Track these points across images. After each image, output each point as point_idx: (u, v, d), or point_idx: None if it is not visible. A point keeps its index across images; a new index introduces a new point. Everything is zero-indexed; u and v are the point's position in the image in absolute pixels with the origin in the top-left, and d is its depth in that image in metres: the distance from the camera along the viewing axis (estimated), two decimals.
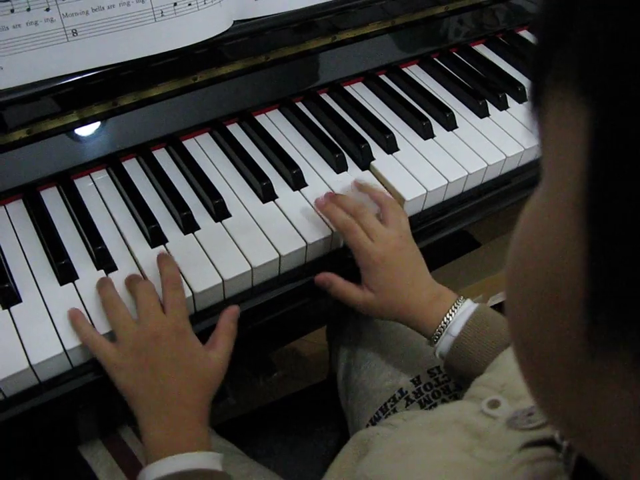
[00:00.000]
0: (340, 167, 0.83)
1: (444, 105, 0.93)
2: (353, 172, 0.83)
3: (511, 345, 0.28)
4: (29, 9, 0.61)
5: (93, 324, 0.64)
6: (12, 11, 0.61)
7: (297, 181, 0.80)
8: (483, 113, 0.94)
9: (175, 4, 0.69)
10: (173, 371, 0.62)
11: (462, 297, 0.73)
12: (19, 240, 0.72)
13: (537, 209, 0.25)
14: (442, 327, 0.70)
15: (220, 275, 0.69)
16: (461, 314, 0.70)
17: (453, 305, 0.71)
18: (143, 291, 0.64)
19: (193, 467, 0.58)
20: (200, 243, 0.72)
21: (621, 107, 0.19)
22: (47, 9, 0.62)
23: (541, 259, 0.24)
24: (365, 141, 0.85)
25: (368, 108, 0.92)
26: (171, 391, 0.62)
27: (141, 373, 0.62)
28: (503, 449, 0.41)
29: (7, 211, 0.74)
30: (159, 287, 0.66)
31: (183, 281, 0.68)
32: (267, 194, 0.78)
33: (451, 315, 0.70)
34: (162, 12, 0.68)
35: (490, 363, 0.66)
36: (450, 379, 0.81)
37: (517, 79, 1.00)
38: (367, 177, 0.82)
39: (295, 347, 1.62)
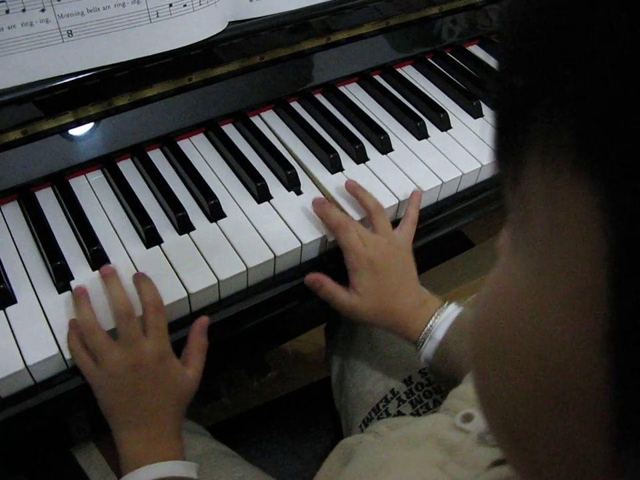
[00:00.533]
0: (335, 167, 0.83)
1: (438, 105, 0.94)
2: (348, 172, 0.83)
3: (485, 420, 0.26)
4: (24, 10, 0.61)
5: None
6: (7, 11, 0.61)
7: (291, 182, 0.80)
8: (477, 114, 0.94)
9: (170, 5, 0.69)
10: (152, 395, 0.63)
11: (447, 302, 0.73)
12: (14, 241, 0.72)
13: (521, 287, 0.22)
14: (426, 332, 0.71)
15: (215, 275, 0.69)
16: (444, 319, 0.71)
17: (437, 310, 0.72)
18: (123, 317, 0.63)
19: (168, 475, 0.60)
20: (195, 244, 0.72)
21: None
22: (42, 10, 0.62)
23: (538, 349, 0.21)
24: (359, 142, 0.85)
25: (362, 108, 0.93)
26: (149, 411, 0.63)
27: (118, 397, 0.62)
28: (473, 466, 0.42)
29: (1, 212, 0.74)
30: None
31: (179, 281, 0.68)
32: (262, 194, 0.78)
33: (435, 320, 0.71)
34: (157, 13, 0.68)
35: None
36: None
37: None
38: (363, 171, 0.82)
39: (289, 347, 1.62)
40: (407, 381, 0.83)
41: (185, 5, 0.70)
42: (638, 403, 0.18)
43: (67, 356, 0.63)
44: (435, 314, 0.71)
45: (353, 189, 0.78)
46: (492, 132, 0.23)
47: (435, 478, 0.43)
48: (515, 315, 0.23)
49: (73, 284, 0.68)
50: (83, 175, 0.79)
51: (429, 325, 0.71)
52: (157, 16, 0.69)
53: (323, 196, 0.79)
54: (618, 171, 0.17)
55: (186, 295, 0.67)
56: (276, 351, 1.62)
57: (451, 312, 0.72)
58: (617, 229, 0.17)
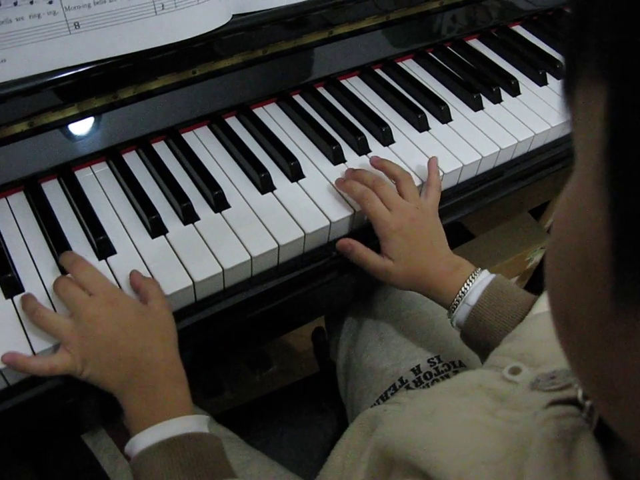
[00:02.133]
0: (337, 159, 0.84)
1: (439, 98, 0.95)
2: (350, 164, 0.84)
3: (550, 313, 0.29)
4: (32, 2, 0.62)
5: None
6: (15, 4, 0.62)
7: (294, 173, 0.81)
8: (477, 106, 0.95)
9: None
10: (124, 339, 0.61)
11: (479, 268, 0.75)
12: (20, 231, 0.72)
13: (570, 190, 0.27)
14: (459, 296, 0.72)
15: (220, 264, 0.70)
16: (478, 284, 0.72)
17: (471, 275, 0.73)
18: (60, 288, 0.63)
19: (178, 433, 0.58)
20: (200, 233, 0.73)
21: (632, 83, 0.21)
22: (50, 2, 0.63)
23: (572, 229, 0.26)
24: (361, 133, 0.86)
25: (364, 101, 0.94)
26: (133, 357, 0.61)
27: (97, 359, 0.61)
28: (527, 408, 0.42)
29: (8, 203, 0.75)
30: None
31: (184, 270, 0.69)
32: (265, 185, 0.79)
33: (468, 284, 0.72)
34: (163, 5, 0.69)
35: (505, 332, 0.68)
36: (450, 368, 0.83)
37: (510, 72, 1.02)
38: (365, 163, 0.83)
39: (291, 342, 1.63)
40: (415, 369, 0.84)
41: None
42: (631, 230, 0.22)
43: None
44: (469, 279, 0.73)
45: (378, 162, 0.80)
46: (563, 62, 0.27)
47: (486, 422, 0.44)
48: (571, 218, 0.26)
49: None
50: (89, 167, 0.80)
51: (462, 290, 0.72)
52: (163, 8, 0.70)
53: (325, 185, 0.80)
54: (621, 70, 0.21)
55: (191, 283, 0.68)
56: (278, 345, 1.63)
57: (484, 277, 0.73)
58: (616, 108, 0.22)
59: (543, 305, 0.68)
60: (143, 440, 0.58)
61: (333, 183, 0.81)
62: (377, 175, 0.79)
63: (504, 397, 0.47)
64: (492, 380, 0.51)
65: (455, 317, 0.73)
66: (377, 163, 0.80)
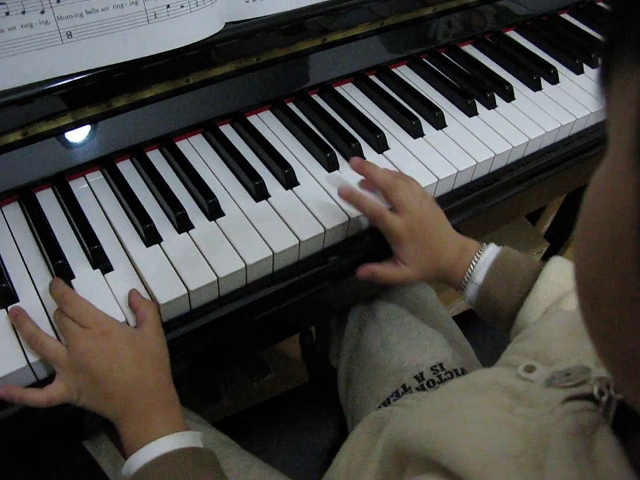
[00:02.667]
0: (331, 166, 0.84)
1: (433, 104, 0.95)
2: (344, 171, 0.84)
3: (577, 295, 0.30)
4: (24, 12, 0.62)
5: None
6: (7, 13, 0.62)
7: (289, 180, 0.81)
8: (471, 112, 0.95)
9: (168, 6, 0.70)
10: (118, 370, 0.62)
11: (485, 244, 0.77)
12: (15, 241, 0.72)
13: (601, 170, 0.27)
14: (467, 277, 0.75)
15: (215, 272, 0.70)
16: (483, 262, 0.75)
17: (476, 254, 0.76)
18: (56, 319, 0.64)
19: (174, 448, 0.58)
20: (194, 242, 0.73)
21: None
22: (42, 12, 0.63)
23: (604, 207, 0.26)
24: (355, 140, 0.86)
25: (358, 108, 0.94)
26: (127, 388, 0.62)
27: (92, 390, 0.62)
28: (544, 405, 0.43)
29: (2, 213, 0.75)
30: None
31: (178, 279, 0.69)
32: (259, 193, 0.79)
33: (473, 264, 0.75)
34: (155, 14, 0.69)
35: (515, 305, 0.71)
36: (453, 376, 0.82)
37: (504, 78, 1.02)
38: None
39: (288, 349, 1.63)
40: (418, 377, 0.83)
41: (182, 6, 0.71)
42: None
43: None
44: (474, 259, 0.75)
45: (364, 172, 0.80)
46: (599, 51, 0.27)
47: (504, 419, 0.44)
48: (604, 201, 0.27)
49: (74, 283, 0.68)
50: (83, 176, 0.80)
51: (469, 270, 0.75)
52: (155, 17, 0.70)
53: (320, 193, 0.80)
54: None
55: (186, 292, 0.68)
56: (275, 352, 1.62)
57: (489, 254, 0.75)
58: None
59: (548, 273, 0.71)
60: (138, 459, 0.59)
61: (328, 190, 0.81)
62: (391, 172, 0.79)
63: (520, 394, 0.48)
64: (507, 378, 0.51)
65: (466, 297, 0.77)
66: (373, 171, 0.79)
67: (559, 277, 0.71)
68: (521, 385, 0.49)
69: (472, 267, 0.75)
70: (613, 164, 0.26)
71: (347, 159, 0.86)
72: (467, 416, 0.47)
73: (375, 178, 0.77)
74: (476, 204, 0.90)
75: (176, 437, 0.60)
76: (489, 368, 0.59)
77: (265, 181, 0.80)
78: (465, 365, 0.85)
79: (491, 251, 0.76)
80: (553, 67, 1.04)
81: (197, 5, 0.72)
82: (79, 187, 0.79)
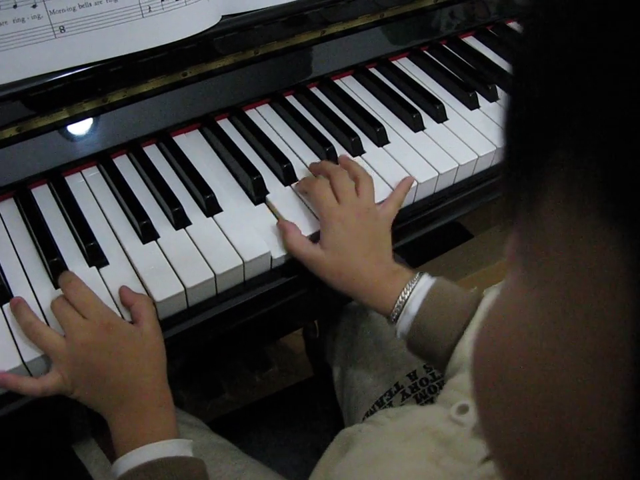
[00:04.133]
0: (331, 160, 0.83)
1: (434, 97, 0.94)
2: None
3: (497, 465, 0.25)
4: (15, 6, 0.61)
5: None
6: None
7: (287, 175, 0.80)
8: (473, 105, 0.94)
9: None
10: (116, 366, 0.61)
11: (418, 273, 0.70)
12: (10, 237, 0.72)
13: (532, 323, 0.21)
14: (399, 305, 0.68)
15: (212, 269, 0.69)
16: (418, 291, 0.67)
17: (409, 281, 0.68)
18: (56, 308, 0.63)
19: (159, 456, 0.58)
20: (191, 238, 0.72)
21: None
22: (34, 6, 0.62)
23: (546, 393, 0.20)
24: (355, 134, 0.85)
25: (358, 101, 0.92)
26: (123, 384, 0.61)
27: (88, 384, 0.61)
28: (467, 460, 0.42)
29: None
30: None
31: (175, 276, 0.68)
32: (258, 189, 0.78)
33: (407, 292, 0.68)
34: (150, 7, 0.68)
35: (451, 340, 0.65)
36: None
37: (506, 70, 1.00)
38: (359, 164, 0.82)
39: (290, 343, 1.62)
40: (411, 375, 0.83)
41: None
42: None
43: None
44: (407, 286, 0.68)
45: (344, 161, 0.78)
46: (505, 146, 0.21)
47: (429, 472, 0.43)
48: (523, 352, 0.21)
49: None
50: (79, 172, 0.79)
51: (400, 298, 0.67)
52: (150, 10, 0.69)
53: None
54: None
55: (183, 289, 0.67)
56: (277, 346, 1.62)
57: (424, 284, 0.68)
58: None
59: (487, 305, 0.64)
60: (125, 463, 0.58)
61: None
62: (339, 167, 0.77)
63: (449, 440, 0.46)
64: (438, 421, 0.50)
65: (398, 328, 0.69)
66: (343, 162, 0.78)
67: None
68: (451, 429, 0.48)
69: (404, 296, 0.67)
70: (569, 333, 0.19)
71: (347, 152, 0.85)
72: (392, 469, 0.46)
73: (354, 168, 0.77)
74: (478, 198, 0.89)
75: (164, 444, 0.59)
76: (425, 407, 0.58)
77: (264, 176, 0.79)
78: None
79: (426, 281, 0.68)
80: None
81: None
82: (75, 182, 0.78)
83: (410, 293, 0.67)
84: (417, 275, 0.69)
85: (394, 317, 0.68)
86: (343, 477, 0.49)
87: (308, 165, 0.82)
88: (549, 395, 0.20)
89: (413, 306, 0.67)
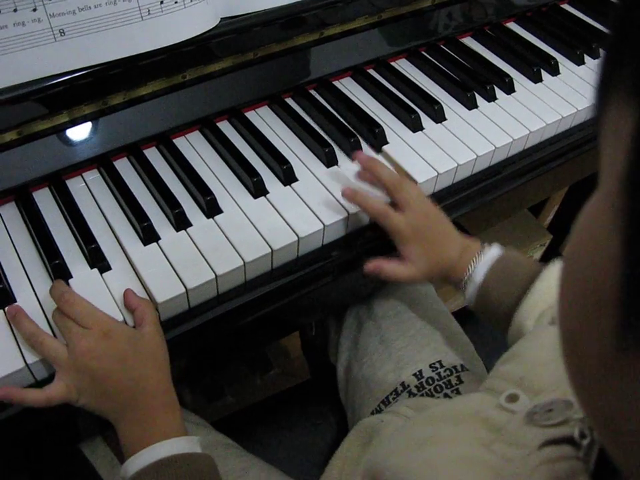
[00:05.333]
0: (330, 161, 0.83)
1: (432, 97, 0.94)
2: (343, 166, 0.83)
3: (559, 331, 0.28)
4: (15, 10, 0.62)
5: None
6: None
7: (287, 176, 0.80)
8: (471, 105, 0.94)
9: (162, 2, 0.69)
10: (120, 371, 0.62)
11: (487, 244, 0.76)
12: (12, 241, 0.72)
13: (588, 210, 0.26)
14: (467, 276, 0.75)
15: (213, 270, 0.69)
16: (484, 261, 0.74)
17: (476, 253, 0.75)
18: (57, 318, 0.63)
19: (169, 454, 0.58)
20: (192, 240, 0.73)
21: None
22: (34, 10, 0.63)
23: (586, 254, 0.25)
24: (354, 135, 0.86)
25: (357, 102, 0.93)
26: (128, 388, 0.62)
27: (93, 390, 0.62)
28: (522, 446, 0.41)
29: None
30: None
31: (177, 277, 0.68)
32: (258, 189, 0.78)
33: (472, 264, 0.74)
34: (149, 10, 0.69)
35: (514, 306, 0.70)
36: (452, 373, 0.82)
37: (504, 70, 1.01)
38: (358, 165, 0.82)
39: (291, 345, 1.63)
40: (417, 375, 0.83)
41: (176, 2, 0.70)
42: None
43: None
44: (474, 258, 0.74)
45: (369, 167, 0.79)
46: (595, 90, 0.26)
47: (481, 456, 0.43)
48: (582, 240, 0.26)
49: (71, 282, 0.68)
50: (80, 175, 0.79)
51: (469, 269, 0.74)
52: (149, 13, 0.69)
53: (319, 189, 0.80)
54: None
55: (184, 290, 0.68)
56: (278, 348, 1.62)
57: (491, 254, 0.74)
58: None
59: (548, 275, 0.70)
60: (135, 463, 0.59)
61: (327, 185, 0.80)
62: (392, 171, 0.78)
63: (500, 427, 0.46)
64: (489, 408, 0.50)
65: (466, 296, 0.76)
66: (368, 168, 0.78)
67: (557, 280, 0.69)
68: (502, 416, 0.48)
69: (472, 266, 0.74)
70: (597, 211, 0.25)
71: (346, 154, 0.85)
72: (442, 452, 0.46)
73: (382, 176, 0.77)
74: (478, 197, 0.89)
75: (173, 442, 0.60)
76: (473, 394, 0.58)
77: (264, 178, 0.79)
78: (464, 361, 0.84)
79: (493, 252, 0.75)
80: (554, 58, 1.03)
81: (191, 1, 0.71)
82: (75, 185, 0.78)
83: (475, 264, 0.74)
84: (485, 246, 0.76)
85: (463, 286, 0.75)
86: (384, 463, 0.48)
87: (308, 165, 0.83)
88: (590, 268, 0.25)
89: (479, 276, 0.74)
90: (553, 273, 0.71)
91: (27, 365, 0.62)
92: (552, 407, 0.43)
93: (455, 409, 0.53)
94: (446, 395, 0.80)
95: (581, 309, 0.25)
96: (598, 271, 0.24)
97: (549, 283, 0.70)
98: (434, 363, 0.83)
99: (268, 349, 1.56)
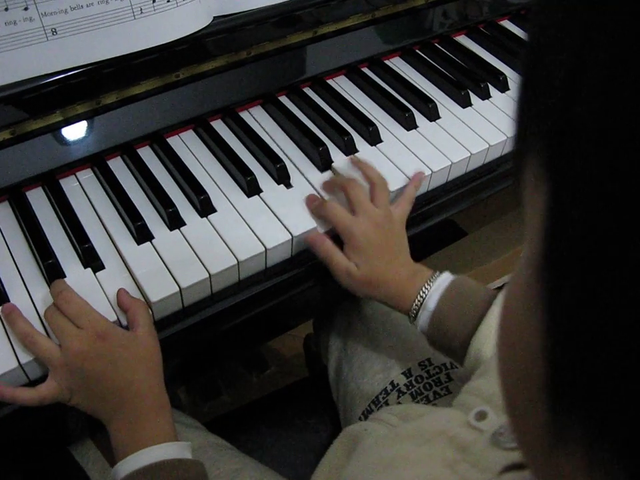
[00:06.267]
0: (324, 160, 0.83)
1: (426, 95, 0.94)
2: (337, 164, 0.83)
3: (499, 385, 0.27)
4: (6, 9, 0.61)
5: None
6: None
7: (281, 175, 0.80)
8: (465, 103, 0.94)
9: (154, 1, 0.69)
10: (113, 372, 0.61)
11: (438, 271, 0.73)
12: (5, 240, 0.72)
13: (514, 276, 0.25)
14: (418, 302, 0.71)
15: (207, 269, 0.69)
16: (436, 288, 0.70)
17: (428, 279, 0.71)
18: (49, 318, 0.63)
19: (158, 459, 0.58)
20: (186, 239, 0.73)
21: (571, 193, 0.19)
22: (25, 8, 0.62)
23: (514, 328, 0.24)
24: (348, 133, 0.86)
25: (351, 101, 0.93)
26: (119, 390, 0.62)
27: (85, 391, 0.62)
28: (485, 469, 0.41)
29: None
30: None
31: (170, 276, 0.68)
32: (251, 188, 0.78)
33: (426, 289, 0.71)
34: (141, 9, 0.69)
35: (469, 334, 0.67)
36: (441, 371, 0.82)
37: (498, 68, 1.01)
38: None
39: (288, 343, 1.63)
40: (406, 373, 0.83)
41: (168, 1, 0.70)
42: (563, 352, 0.20)
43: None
44: (426, 284, 0.71)
45: (357, 162, 0.80)
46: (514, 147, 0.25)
47: (444, 477, 0.43)
48: (510, 306, 0.24)
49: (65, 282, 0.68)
50: (73, 174, 0.79)
51: (420, 295, 0.70)
52: (141, 12, 0.69)
53: (312, 188, 0.80)
54: (564, 174, 0.20)
55: (178, 289, 0.68)
56: (275, 346, 1.62)
57: (442, 280, 0.71)
58: (553, 211, 0.21)
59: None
60: (124, 467, 0.59)
61: (319, 184, 0.80)
62: (353, 177, 0.78)
63: (466, 447, 0.46)
64: (457, 426, 0.49)
65: (418, 324, 0.72)
66: (356, 163, 0.80)
67: None
68: (469, 435, 0.47)
69: (424, 293, 0.71)
70: (520, 279, 0.23)
71: (340, 152, 0.85)
72: (405, 474, 0.45)
73: (368, 171, 0.77)
74: (472, 195, 0.89)
75: (163, 447, 0.60)
76: (441, 409, 0.57)
77: (257, 176, 0.79)
78: None
79: (445, 278, 0.72)
80: None
81: (184, 0, 0.71)
82: (69, 185, 0.78)
83: (428, 290, 0.70)
84: (437, 273, 0.72)
85: (413, 314, 0.71)
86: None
87: (301, 165, 0.83)
88: (518, 341, 0.23)
89: (431, 302, 0.70)
90: None
91: (20, 364, 0.62)
92: None
93: (422, 426, 0.52)
94: (435, 393, 0.80)
95: (514, 375, 0.24)
96: (524, 352, 0.22)
97: None
98: (423, 361, 0.83)
99: (264, 348, 1.56)
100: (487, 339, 0.66)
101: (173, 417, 0.64)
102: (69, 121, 0.76)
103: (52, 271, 0.68)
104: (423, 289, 0.71)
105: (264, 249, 0.72)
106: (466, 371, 0.68)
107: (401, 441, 0.52)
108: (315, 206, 0.75)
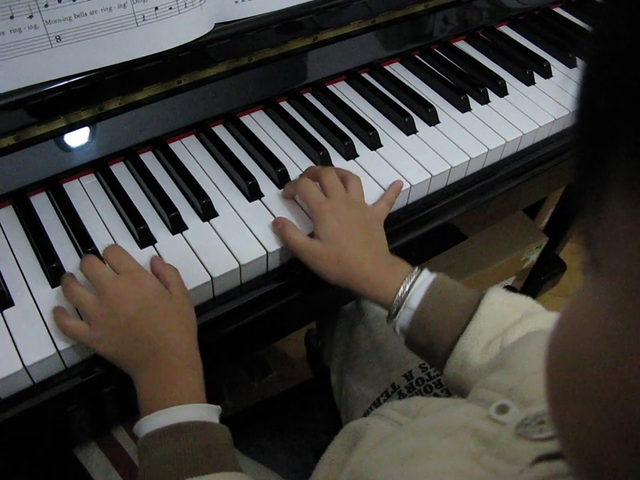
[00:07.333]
0: (324, 164, 0.84)
1: (426, 100, 0.95)
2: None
3: (568, 461, 0.26)
4: (12, 17, 0.62)
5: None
6: None
7: (282, 179, 0.81)
8: (464, 108, 0.95)
9: (156, 8, 0.70)
10: (144, 319, 0.61)
11: (418, 267, 0.70)
12: (9, 245, 0.73)
13: (602, 319, 0.22)
14: (399, 298, 0.67)
15: (209, 273, 0.70)
16: (419, 285, 0.67)
17: (409, 275, 0.68)
18: (87, 266, 0.65)
19: (187, 420, 0.57)
20: (188, 243, 0.73)
21: None
22: (30, 16, 0.63)
23: (619, 388, 0.21)
24: (348, 138, 0.86)
25: (351, 106, 0.94)
26: (151, 340, 0.61)
27: (116, 336, 0.61)
28: (513, 460, 0.40)
29: None
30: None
31: None
32: (253, 193, 0.79)
33: (407, 285, 0.67)
34: (144, 16, 0.70)
35: (452, 336, 0.65)
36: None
37: (497, 73, 1.02)
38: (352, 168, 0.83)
39: (289, 349, 1.63)
40: (407, 375, 0.83)
41: (170, 8, 0.71)
42: None
43: (65, 356, 0.64)
44: (407, 279, 0.67)
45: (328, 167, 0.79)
46: (574, 159, 0.22)
47: (470, 469, 0.41)
48: (599, 356, 0.22)
49: None
50: (77, 179, 0.80)
51: (400, 292, 0.67)
52: (144, 19, 0.70)
53: None
54: None
55: None
56: (277, 351, 1.62)
57: (425, 278, 0.67)
58: None
59: (491, 300, 0.65)
60: (152, 422, 0.58)
61: None
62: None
63: (490, 439, 0.44)
64: (477, 419, 0.47)
65: (397, 322, 0.68)
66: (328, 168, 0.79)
67: (502, 305, 0.65)
68: (491, 428, 0.46)
69: (404, 289, 0.66)
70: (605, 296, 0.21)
71: (340, 156, 0.86)
72: (430, 466, 0.44)
73: (340, 170, 0.77)
74: (472, 199, 0.90)
75: (193, 407, 0.59)
76: (461, 404, 0.55)
77: (259, 181, 0.80)
78: None
79: (426, 275, 0.68)
80: (546, 61, 1.04)
81: (186, 7, 0.72)
82: (73, 190, 0.79)
83: (410, 287, 0.67)
84: (417, 269, 0.69)
85: (394, 311, 0.67)
86: (372, 475, 0.48)
87: (302, 169, 0.83)
88: (618, 391, 0.21)
89: (414, 300, 0.66)
90: (495, 298, 0.66)
91: (24, 366, 0.62)
92: (543, 419, 0.41)
93: (442, 420, 0.51)
94: (436, 395, 0.80)
95: (612, 428, 0.22)
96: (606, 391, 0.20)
97: (493, 308, 0.64)
98: (424, 364, 0.83)
99: (266, 353, 1.56)
100: (475, 341, 0.64)
101: (203, 379, 0.63)
102: (72, 127, 0.77)
103: (56, 274, 0.69)
104: (404, 285, 0.67)
105: (265, 252, 0.73)
106: (448, 373, 0.67)
107: (421, 434, 0.51)
108: (289, 184, 0.76)
